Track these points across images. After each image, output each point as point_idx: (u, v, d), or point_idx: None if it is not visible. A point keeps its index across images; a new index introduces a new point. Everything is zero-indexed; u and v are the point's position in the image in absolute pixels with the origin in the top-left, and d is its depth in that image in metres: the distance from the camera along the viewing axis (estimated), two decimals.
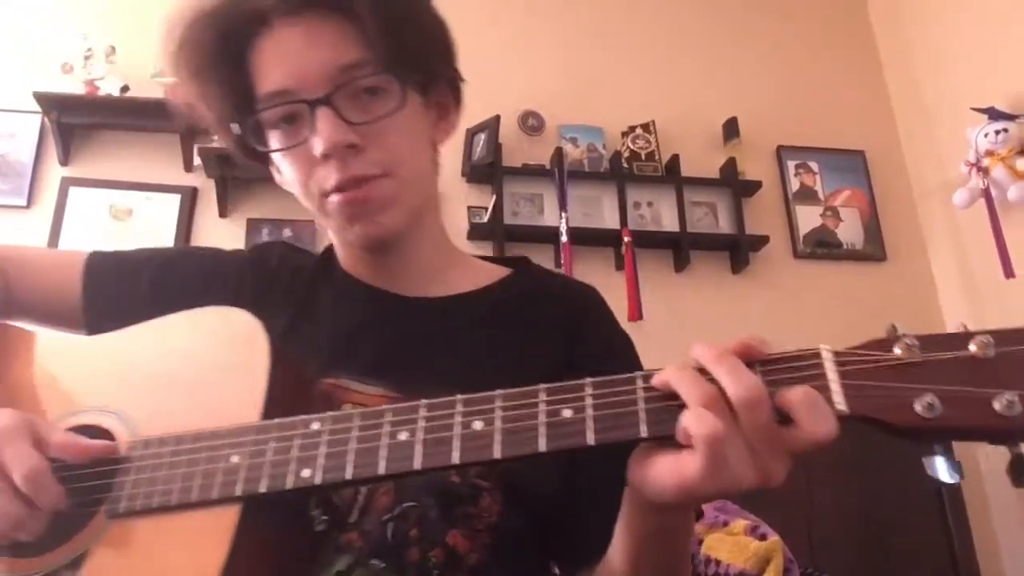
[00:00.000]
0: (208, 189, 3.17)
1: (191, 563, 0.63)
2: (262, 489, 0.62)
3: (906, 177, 3.61)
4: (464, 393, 0.60)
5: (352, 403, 0.77)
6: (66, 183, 3.13)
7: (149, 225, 3.10)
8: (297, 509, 0.70)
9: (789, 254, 3.42)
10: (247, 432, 0.65)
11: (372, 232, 0.80)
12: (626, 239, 3.16)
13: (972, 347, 0.49)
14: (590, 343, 0.85)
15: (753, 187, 3.44)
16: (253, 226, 3.17)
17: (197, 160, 3.13)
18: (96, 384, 0.79)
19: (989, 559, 2.96)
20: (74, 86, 3.11)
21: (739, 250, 3.32)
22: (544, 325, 0.86)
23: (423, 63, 0.82)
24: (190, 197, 3.18)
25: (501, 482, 0.75)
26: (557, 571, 0.86)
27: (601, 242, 3.26)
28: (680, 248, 3.29)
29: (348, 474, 0.60)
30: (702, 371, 0.53)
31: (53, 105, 3.06)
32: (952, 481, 0.50)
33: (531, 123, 3.43)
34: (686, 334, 2.93)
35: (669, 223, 3.33)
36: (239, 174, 3.08)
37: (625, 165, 3.37)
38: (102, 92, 3.12)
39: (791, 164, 3.56)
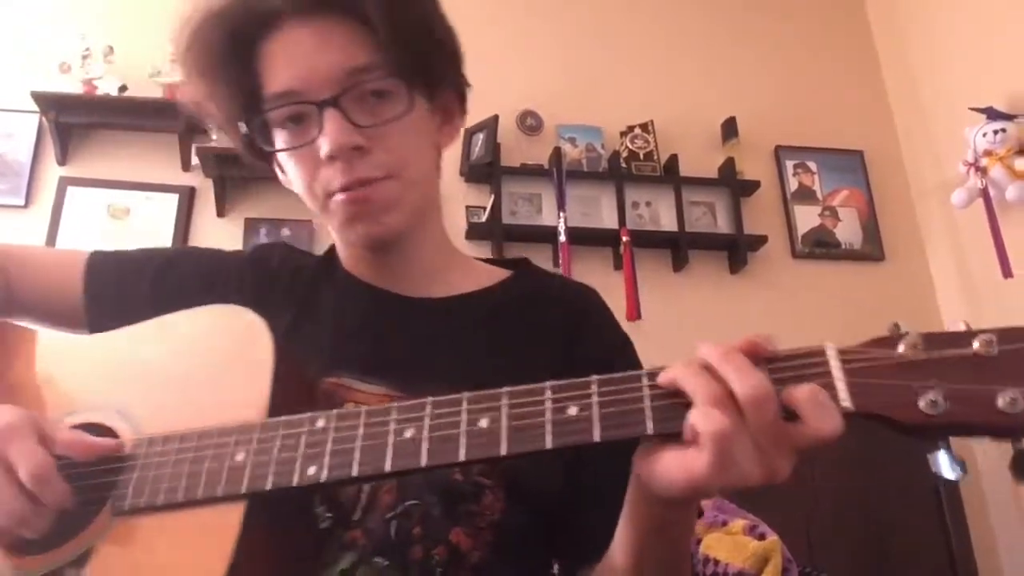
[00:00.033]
0: (206, 189, 3.17)
1: (196, 560, 0.63)
2: (268, 486, 0.62)
3: (904, 177, 3.61)
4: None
5: (354, 402, 0.77)
6: (64, 183, 3.13)
7: (147, 225, 3.10)
8: (302, 506, 0.70)
9: (787, 254, 3.42)
10: (252, 430, 0.65)
11: (375, 232, 0.80)
12: (624, 239, 3.16)
13: (975, 345, 0.49)
14: (590, 345, 0.86)
15: (751, 187, 3.44)
16: (251, 226, 3.16)
17: (195, 160, 3.13)
18: (99, 382, 0.79)
19: (987, 556, 2.96)
20: (72, 86, 3.11)
21: (737, 250, 3.32)
22: (544, 326, 0.86)
23: (431, 68, 0.82)
24: (188, 197, 3.18)
25: (504, 480, 0.75)
26: (556, 570, 0.87)
27: (599, 242, 3.26)
28: (678, 248, 3.29)
29: (354, 471, 0.60)
30: (708, 369, 0.54)
31: (51, 105, 3.05)
32: (956, 477, 0.50)
33: (529, 123, 3.43)
34: (684, 334, 2.94)
35: (667, 223, 3.33)
36: (237, 174, 3.08)
37: (623, 165, 3.37)
38: (100, 92, 3.11)
39: (789, 164, 3.56)
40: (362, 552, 0.72)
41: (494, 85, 3.18)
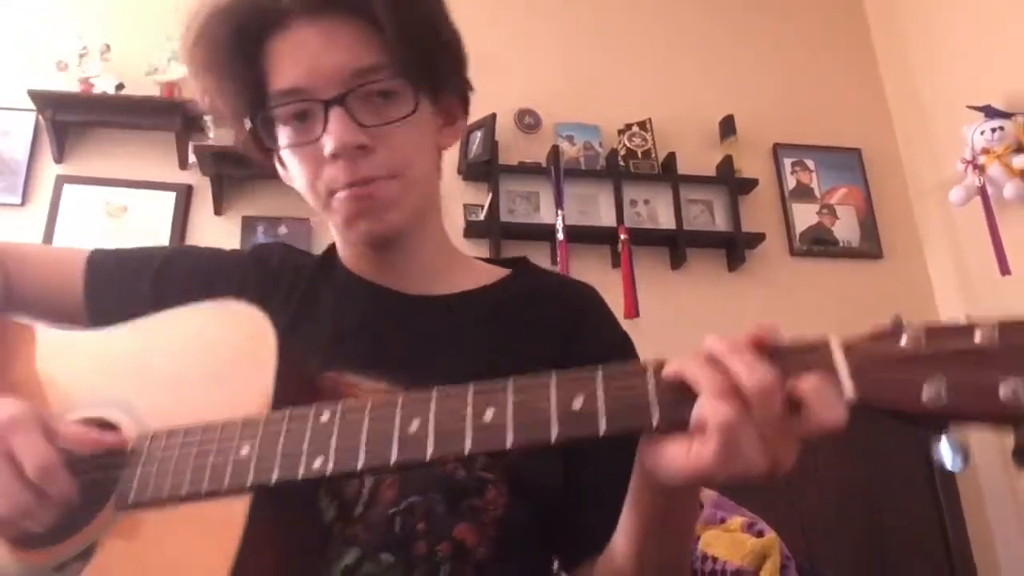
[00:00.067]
0: (203, 187, 3.17)
1: (202, 554, 0.63)
2: (273, 479, 0.62)
3: (902, 175, 3.61)
4: None
5: (356, 397, 0.77)
6: (61, 181, 3.12)
7: (144, 223, 3.09)
8: (307, 500, 0.71)
9: (785, 252, 3.42)
10: (256, 423, 0.65)
11: (376, 229, 0.81)
12: (622, 237, 3.15)
13: (977, 336, 0.50)
14: (589, 343, 0.86)
15: (749, 185, 3.44)
16: (248, 224, 3.16)
17: (192, 158, 3.12)
18: (102, 377, 0.79)
19: (984, 550, 2.97)
20: (69, 84, 3.10)
21: (735, 248, 3.32)
22: (543, 324, 0.87)
23: (436, 70, 0.83)
24: (185, 195, 3.17)
25: (507, 475, 0.75)
26: (556, 567, 0.87)
27: (597, 240, 3.26)
28: (676, 246, 3.28)
29: (360, 464, 0.60)
30: (714, 361, 0.54)
31: (48, 103, 3.05)
32: (959, 467, 0.51)
33: (527, 121, 3.43)
34: (682, 332, 2.94)
35: (665, 221, 3.33)
36: (234, 172, 3.07)
37: (621, 163, 3.36)
38: (97, 90, 3.11)
39: (787, 162, 3.56)
40: (366, 548, 0.72)
41: (492, 83, 3.17)
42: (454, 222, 3.15)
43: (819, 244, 3.43)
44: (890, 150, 3.65)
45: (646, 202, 3.36)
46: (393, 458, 0.59)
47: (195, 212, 3.17)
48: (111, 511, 0.68)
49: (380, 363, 0.79)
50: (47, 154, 3.15)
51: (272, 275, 0.91)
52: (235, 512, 0.62)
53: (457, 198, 3.23)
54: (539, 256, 3.12)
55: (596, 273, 3.11)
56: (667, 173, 3.38)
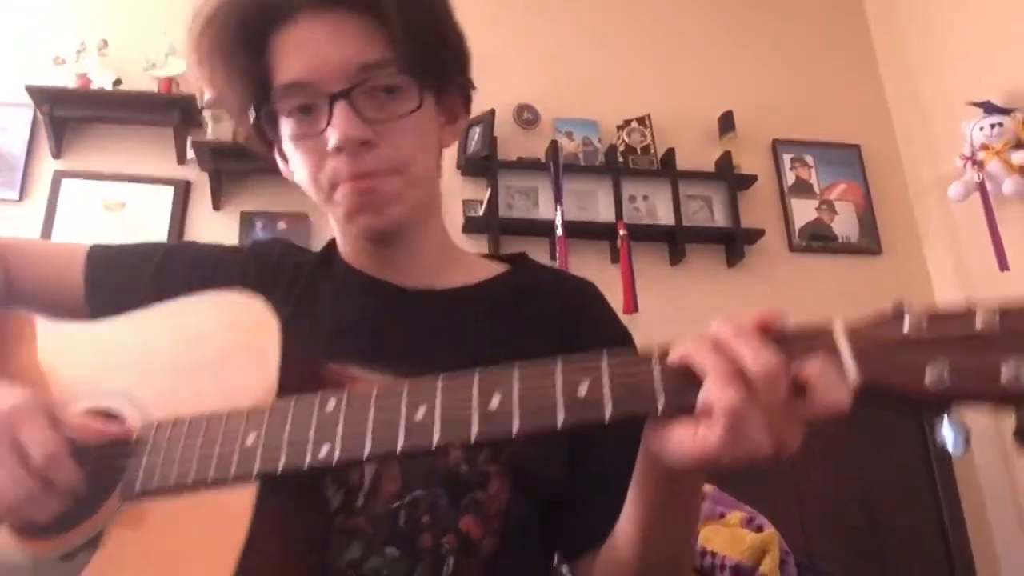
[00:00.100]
0: (201, 182, 3.16)
1: (209, 542, 0.63)
2: (280, 468, 0.62)
3: (901, 171, 3.61)
4: None
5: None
6: (58, 176, 3.12)
7: (142, 218, 3.08)
8: (313, 488, 0.71)
9: (784, 247, 3.42)
10: (262, 412, 0.65)
11: (377, 224, 0.81)
12: (621, 232, 3.15)
13: (978, 320, 0.51)
14: (588, 338, 0.86)
15: (748, 181, 3.44)
16: (247, 219, 3.15)
17: (190, 153, 3.12)
18: (105, 368, 0.79)
19: (983, 550, 2.97)
20: (66, 79, 3.09)
21: (734, 243, 3.32)
22: (543, 320, 0.87)
23: (441, 68, 0.84)
24: (183, 190, 3.16)
25: (509, 468, 0.76)
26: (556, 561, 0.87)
27: (596, 236, 3.26)
28: (675, 241, 3.28)
29: (366, 451, 0.60)
30: (719, 345, 0.55)
31: (45, 98, 3.04)
32: (960, 450, 0.51)
33: (526, 116, 3.42)
34: (681, 327, 2.91)
35: (664, 216, 3.32)
36: (232, 167, 3.07)
37: (620, 159, 3.36)
38: (94, 85, 3.10)
39: (787, 158, 3.56)
40: (371, 542, 0.72)
41: (491, 79, 3.16)
42: (453, 218, 3.15)
43: (818, 240, 3.43)
44: (889, 146, 3.65)
45: (645, 198, 3.36)
46: (400, 445, 0.59)
47: (193, 207, 3.17)
48: (117, 500, 0.68)
49: (381, 357, 0.79)
50: (45, 149, 3.15)
51: (272, 270, 0.91)
52: (242, 501, 0.62)
53: (456, 194, 3.23)
54: (538, 252, 3.12)
55: (595, 269, 3.10)
56: (666, 169, 3.37)
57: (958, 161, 3.08)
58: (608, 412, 0.55)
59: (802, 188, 3.52)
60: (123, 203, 3.11)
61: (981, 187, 2.99)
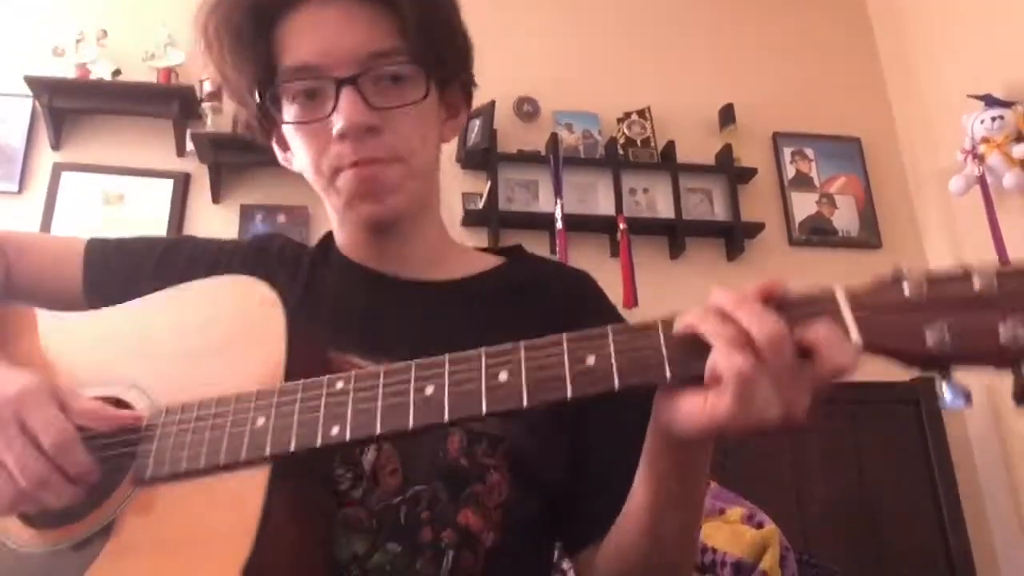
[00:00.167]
0: (201, 174, 3.16)
1: (223, 526, 0.63)
2: (291, 448, 0.62)
3: (901, 164, 3.61)
4: None
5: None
6: (58, 168, 3.11)
7: (142, 210, 3.08)
8: (323, 469, 0.72)
9: (784, 241, 3.42)
10: (271, 394, 0.65)
11: (377, 211, 0.82)
12: (621, 226, 3.14)
13: (976, 280, 0.52)
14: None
15: (749, 174, 3.43)
16: (246, 212, 3.15)
17: (190, 145, 3.11)
18: (109, 356, 0.79)
19: (983, 551, 2.98)
20: (66, 70, 3.08)
21: (734, 237, 3.31)
22: (540, 312, 0.87)
23: (447, 61, 0.84)
24: (183, 183, 3.16)
25: (508, 460, 0.76)
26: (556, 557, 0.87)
27: (596, 229, 3.25)
28: (675, 235, 3.28)
29: (377, 430, 0.60)
30: (723, 314, 0.56)
31: (44, 89, 3.03)
32: (961, 406, 0.53)
33: (526, 109, 3.41)
34: None
35: (664, 210, 3.32)
36: (232, 159, 3.06)
37: (620, 151, 3.35)
38: (94, 76, 3.09)
39: (787, 151, 3.55)
40: (375, 538, 0.72)
41: (491, 71, 3.14)
42: (453, 211, 3.14)
43: (818, 234, 3.43)
44: (889, 139, 3.64)
45: (645, 191, 3.35)
46: (411, 423, 0.60)
47: (193, 200, 3.16)
48: (129, 487, 0.69)
49: (379, 348, 0.79)
50: (44, 141, 3.14)
51: (272, 263, 0.91)
52: (254, 484, 0.63)
53: (456, 186, 3.22)
54: (538, 245, 3.12)
55: (595, 262, 3.10)
56: (666, 162, 3.37)
57: (959, 155, 3.08)
58: (616, 383, 0.56)
59: (802, 181, 3.51)
60: (122, 195, 3.11)
61: (982, 181, 2.99)
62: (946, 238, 3.35)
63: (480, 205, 3.19)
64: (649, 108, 3.43)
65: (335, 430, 0.62)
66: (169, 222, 3.07)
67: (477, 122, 3.22)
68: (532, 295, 0.88)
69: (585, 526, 0.79)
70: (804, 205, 3.47)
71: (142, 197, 3.10)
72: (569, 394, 0.57)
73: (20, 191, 3.08)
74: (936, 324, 0.52)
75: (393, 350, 0.78)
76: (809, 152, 3.56)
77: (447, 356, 0.62)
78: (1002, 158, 2.94)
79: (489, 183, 3.20)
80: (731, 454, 2.01)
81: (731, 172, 3.39)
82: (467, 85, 0.91)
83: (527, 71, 3.42)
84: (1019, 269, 0.52)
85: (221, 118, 2.98)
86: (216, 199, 3.15)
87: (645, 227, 3.27)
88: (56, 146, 3.12)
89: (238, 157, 3.00)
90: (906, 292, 0.54)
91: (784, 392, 0.53)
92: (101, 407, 0.71)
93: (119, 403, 0.73)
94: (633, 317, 0.96)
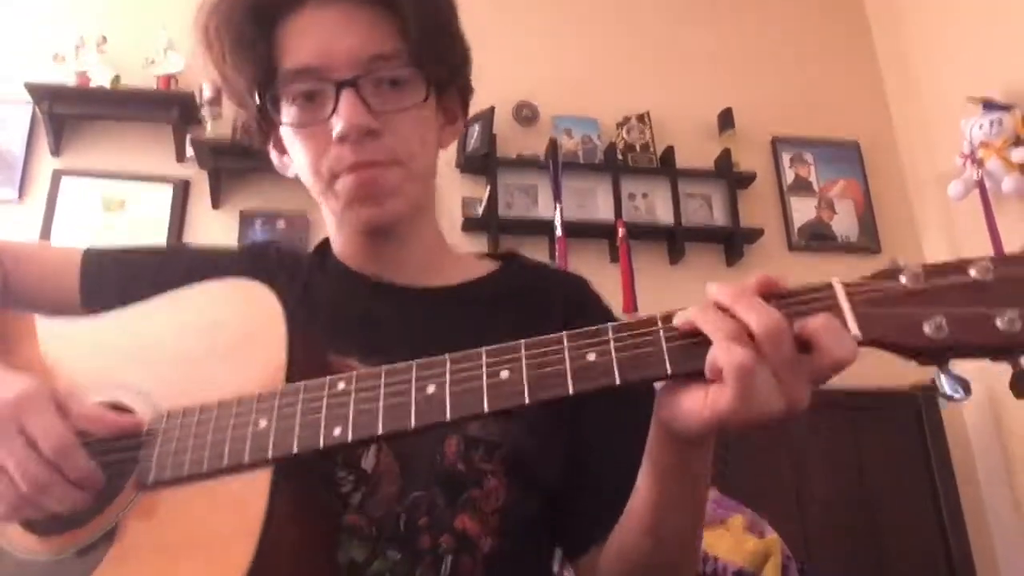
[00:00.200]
0: (201, 180, 3.16)
1: (227, 529, 0.63)
2: (295, 450, 0.62)
3: (900, 168, 3.61)
4: None
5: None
6: (58, 174, 3.11)
7: (142, 216, 3.08)
8: (325, 471, 0.72)
9: (784, 247, 3.42)
10: (272, 396, 0.65)
11: (375, 215, 0.81)
12: (621, 231, 3.15)
13: (972, 272, 0.53)
14: None
15: (748, 179, 3.44)
16: (246, 218, 3.15)
17: (189, 151, 3.11)
18: (108, 361, 0.79)
19: (983, 553, 2.97)
20: (65, 76, 3.09)
21: (734, 242, 3.32)
22: (541, 316, 0.86)
23: (446, 66, 0.85)
24: (183, 188, 3.16)
25: (505, 465, 0.76)
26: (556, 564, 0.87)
27: (596, 234, 3.25)
28: (675, 240, 3.28)
29: (379, 430, 0.61)
30: (722, 308, 0.56)
31: (44, 95, 3.04)
32: (959, 398, 0.53)
33: (525, 114, 3.42)
34: None
35: (664, 215, 3.32)
36: (232, 165, 3.06)
37: (620, 156, 3.36)
38: (93, 82, 3.10)
39: (786, 156, 3.55)
40: (375, 545, 0.72)
41: (490, 76, 3.15)
42: (452, 216, 3.14)
43: (817, 239, 3.43)
44: (888, 143, 3.65)
45: (644, 196, 3.36)
46: (413, 422, 0.60)
47: (192, 206, 3.16)
48: (131, 492, 0.68)
49: (379, 352, 0.79)
50: (44, 147, 3.14)
51: (270, 269, 0.91)
52: (257, 487, 0.63)
53: (455, 192, 3.23)
54: (537, 250, 3.12)
55: (594, 267, 3.10)
56: (665, 167, 3.37)
57: (958, 159, 3.08)
58: (617, 378, 0.56)
59: (801, 186, 3.52)
60: (122, 202, 3.11)
61: (980, 185, 2.99)
62: (945, 242, 3.35)
63: (480, 210, 3.19)
64: (648, 113, 3.44)
65: (337, 431, 0.62)
66: (169, 228, 3.07)
67: (476, 127, 3.23)
68: (531, 300, 0.88)
69: (587, 527, 0.79)
70: (803, 210, 3.48)
71: (142, 203, 3.11)
72: (571, 390, 0.57)
73: (20, 197, 3.08)
74: (933, 315, 0.52)
75: (392, 354, 0.78)
76: (808, 156, 3.56)
77: (448, 356, 0.62)
78: (1001, 162, 2.94)
79: (488, 188, 3.20)
80: (731, 460, 2.01)
81: (730, 177, 3.39)
82: (464, 91, 0.91)
83: (526, 76, 3.43)
84: (1014, 260, 0.52)
85: (221, 124, 2.99)
86: (216, 205, 3.15)
87: (644, 232, 3.27)
88: (56, 152, 3.13)
89: (238, 163, 3.00)
90: (904, 284, 0.54)
91: (784, 385, 0.54)
92: (101, 412, 0.70)
93: (120, 408, 0.73)
94: None
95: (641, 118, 3.43)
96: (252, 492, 0.63)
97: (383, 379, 0.62)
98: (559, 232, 3.08)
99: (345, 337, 0.81)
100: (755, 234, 3.33)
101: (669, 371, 0.56)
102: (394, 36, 0.79)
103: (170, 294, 0.79)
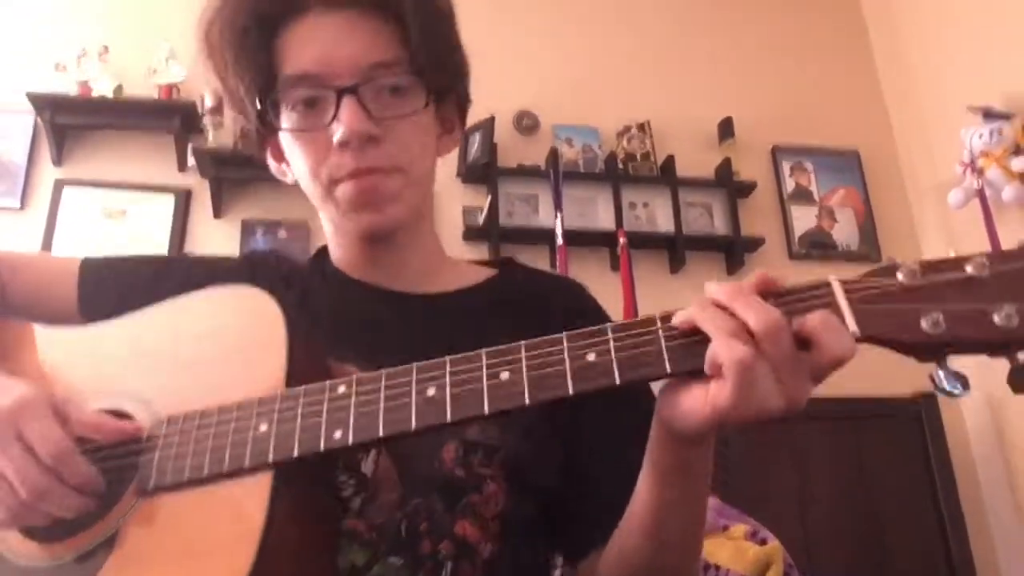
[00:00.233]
0: (202, 190, 3.16)
1: (227, 534, 0.63)
2: (295, 454, 0.62)
3: (900, 176, 3.62)
4: None
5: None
6: (60, 184, 3.12)
7: (143, 226, 3.08)
8: (326, 475, 0.71)
9: (784, 255, 3.43)
10: (272, 401, 0.65)
11: (376, 221, 0.82)
12: (621, 240, 3.15)
13: (969, 268, 0.53)
14: None
15: (748, 188, 3.44)
16: (247, 227, 3.15)
17: (191, 160, 3.12)
18: (108, 368, 0.79)
19: (983, 549, 2.97)
20: (67, 86, 3.10)
21: (734, 251, 3.32)
22: (540, 322, 0.86)
23: (446, 74, 0.85)
24: (184, 198, 3.17)
25: (504, 470, 0.76)
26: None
27: (596, 243, 3.26)
28: (675, 249, 3.29)
29: (380, 432, 0.61)
30: (720, 307, 0.56)
31: (46, 105, 3.05)
32: (957, 393, 0.53)
33: (526, 123, 3.43)
34: None
35: (664, 224, 3.32)
36: (233, 175, 3.07)
37: (620, 166, 3.36)
38: (95, 92, 3.11)
39: (786, 165, 3.56)
40: (375, 550, 0.72)
41: (490, 85, 3.16)
42: (453, 225, 3.15)
43: (818, 248, 3.44)
44: (888, 151, 3.65)
45: (645, 205, 3.36)
46: (413, 424, 0.60)
47: (194, 215, 3.17)
48: (132, 498, 0.68)
49: (378, 358, 0.79)
50: (46, 157, 3.15)
51: (268, 277, 0.91)
52: (257, 492, 0.63)
53: (456, 201, 3.23)
54: (538, 259, 3.12)
55: (595, 276, 3.10)
56: (666, 176, 3.38)
57: (957, 168, 3.08)
58: (617, 376, 0.56)
59: (802, 195, 3.52)
60: (124, 211, 3.11)
61: (980, 194, 3.00)
62: (945, 251, 3.31)
63: (480, 220, 3.20)
64: (648, 122, 3.45)
65: (338, 434, 0.62)
66: (170, 237, 3.08)
67: (477, 136, 3.24)
68: (529, 305, 0.88)
69: (587, 531, 0.79)
70: (804, 218, 3.48)
71: (144, 212, 3.11)
72: (571, 390, 0.57)
73: (22, 207, 3.08)
74: (931, 311, 0.52)
75: (391, 360, 0.79)
76: (808, 165, 3.57)
77: (448, 358, 0.62)
78: (1001, 171, 2.95)
79: (489, 197, 3.20)
80: (733, 464, 2.01)
81: (731, 186, 3.40)
82: (463, 102, 0.91)
83: (527, 85, 3.44)
84: (1010, 256, 0.52)
85: (222, 133, 2.99)
86: (217, 214, 3.16)
87: (645, 241, 3.28)
88: (58, 162, 3.13)
89: (239, 172, 3.00)
90: (901, 281, 0.54)
91: (784, 381, 0.54)
92: (101, 417, 0.70)
93: (120, 414, 0.73)
94: None
95: (641, 127, 3.44)
96: (253, 497, 0.63)
97: (383, 382, 0.63)
98: (560, 241, 3.08)
99: (345, 343, 0.81)
100: (756, 243, 3.34)
101: (669, 370, 0.56)
102: (395, 44, 0.80)
103: (170, 301, 0.79)
